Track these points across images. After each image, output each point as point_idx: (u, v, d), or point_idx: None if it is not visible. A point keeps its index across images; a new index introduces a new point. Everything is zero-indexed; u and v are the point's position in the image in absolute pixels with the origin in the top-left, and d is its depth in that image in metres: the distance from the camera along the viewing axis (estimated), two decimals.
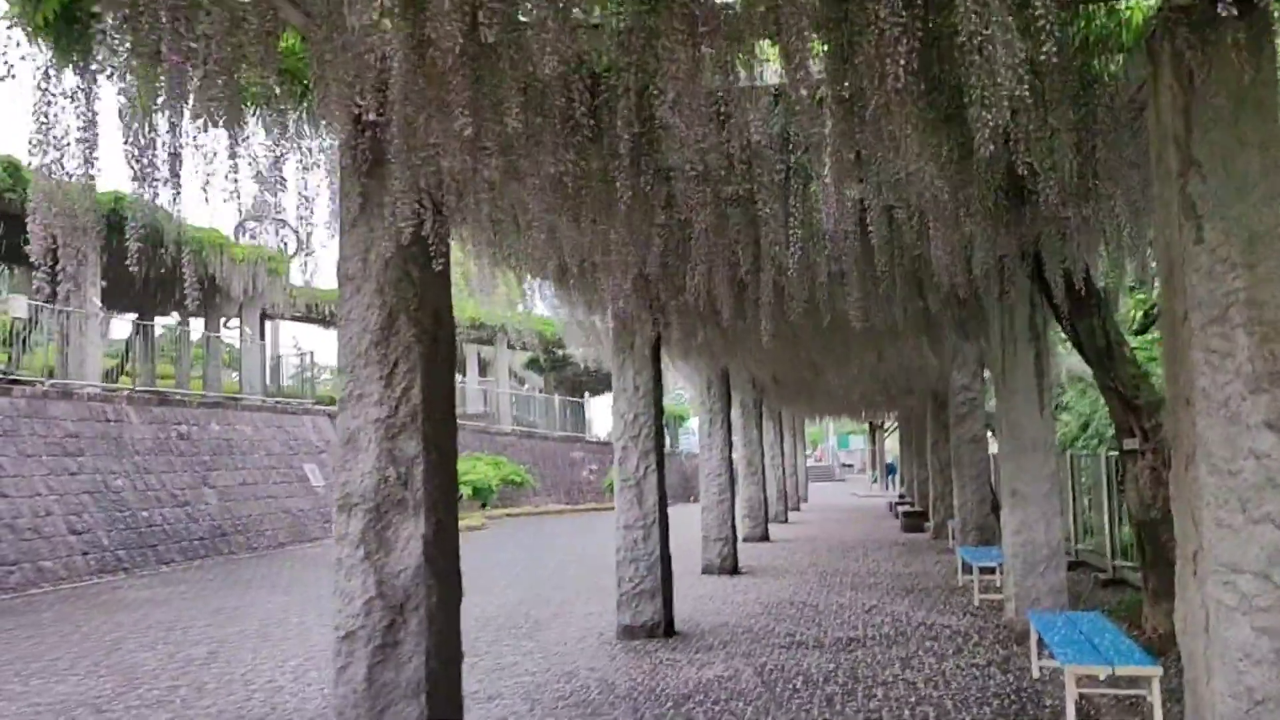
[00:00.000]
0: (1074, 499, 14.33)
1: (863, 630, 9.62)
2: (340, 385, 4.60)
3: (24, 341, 21.36)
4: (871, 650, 8.65)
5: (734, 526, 15.09)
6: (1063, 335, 9.46)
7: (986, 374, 14.28)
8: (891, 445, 46.51)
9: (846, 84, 4.46)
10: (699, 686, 7.44)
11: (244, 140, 4.42)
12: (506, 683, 7.77)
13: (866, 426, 48.94)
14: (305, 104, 4.68)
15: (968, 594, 11.55)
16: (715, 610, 11.10)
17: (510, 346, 37.45)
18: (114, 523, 16.77)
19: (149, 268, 17.89)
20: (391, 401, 4.51)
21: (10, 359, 25.77)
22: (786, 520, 25.92)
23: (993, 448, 13.75)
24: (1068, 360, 13.61)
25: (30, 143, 3.66)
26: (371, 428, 4.51)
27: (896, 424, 36.99)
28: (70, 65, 3.82)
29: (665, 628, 9.55)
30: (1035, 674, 7.45)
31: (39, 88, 3.72)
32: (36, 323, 21.02)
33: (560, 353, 36.18)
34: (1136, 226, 6.65)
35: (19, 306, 18.08)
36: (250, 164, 4.32)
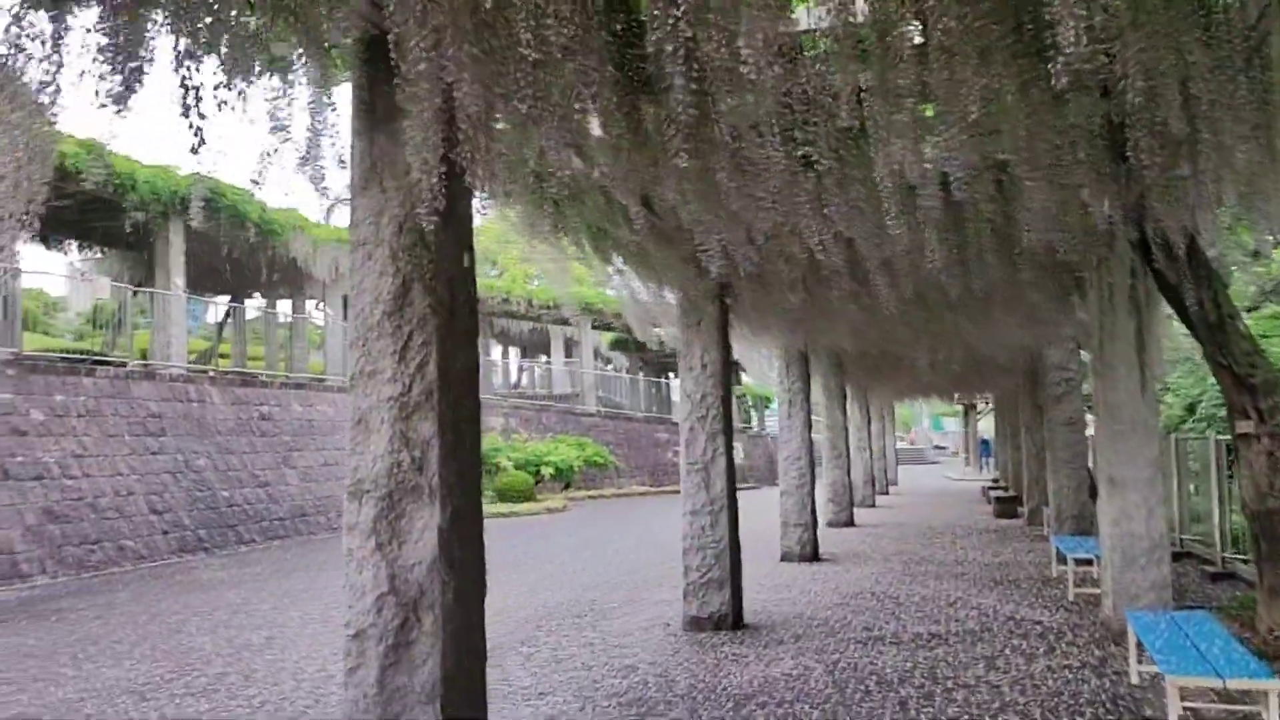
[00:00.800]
0: (1179, 485, 13.41)
1: (945, 625, 9.01)
2: (352, 361, 4.21)
3: (118, 324, 21.79)
4: (954, 648, 8.05)
5: (814, 512, 14.50)
6: (1168, 309, 8.68)
7: (1084, 353, 13.42)
8: (986, 427, 45.18)
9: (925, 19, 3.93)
10: (764, 685, 6.95)
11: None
12: (561, 676, 7.38)
13: (960, 408, 47.61)
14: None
15: (1062, 587, 10.82)
16: (790, 600, 10.57)
17: (595, 327, 37.20)
18: (195, 502, 16.92)
19: (233, 250, 17.99)
20: (405, 379, 4.10)
21: (105, 342, 26.47)
22: (874, 505, 25.13)
23: (1091, 430, 12.92)
24: (1172, 338, 12.71)
25: None
26: (384, 407, 4.11)
27: (991, 405, 35.79)
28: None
29: (734, 619, 9.07)
30: (1134, 679, 6.78)
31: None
32: (126, 306, 21.43)
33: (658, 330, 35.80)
34: (1254, 186, 5.94)
35: (103, 288, 18.31)
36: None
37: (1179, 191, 6.08)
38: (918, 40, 4.28)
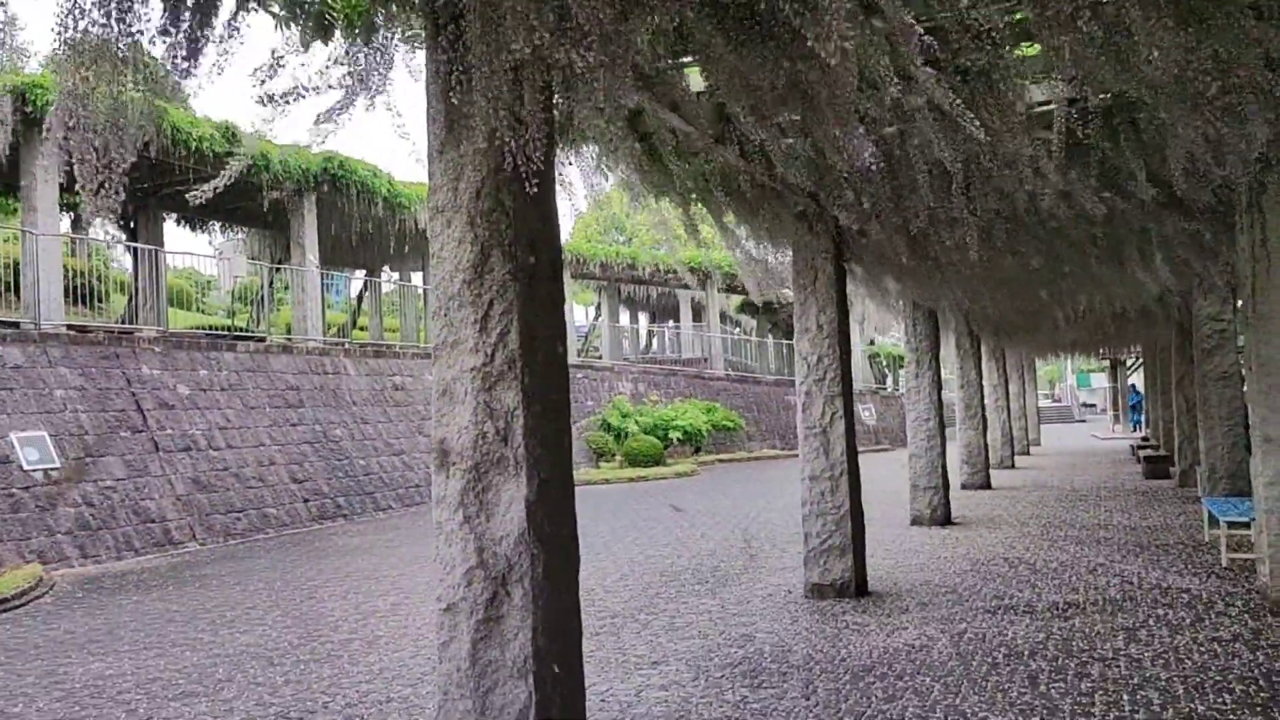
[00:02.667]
0: None
1: (1083, 594, 8.53)
2: (434, 331, 4.13)
3: (260, 301, 22.65)
4: (1091, 618, 7.60)
5: (945, 474, 14.00)
6: None
7: (1240, 301, 12.50)
8: (1135, 383, 43.06)
9: None
10: (884, 656, 6.69)
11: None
12: (676, 645, 7.27)
13: (1107, 363, 45.50)
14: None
15: (1214, 552, 10.14)
16: (918, 566, 10.21)
17: (721, 290, 36.89)
18: (333, 471, 17.48)
19: (364, 224, 18.37)
20: (487, 348, 4.00)
21: (251, 318, 27.58)
22: (1013, 466, 24.26)
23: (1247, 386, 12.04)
24: None
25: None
26: (467, 377, 4.02)
27: (1140, 360, 34.04)
28: None
29: (857, 587, 8.80)
30: None
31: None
32: (265, 284, 22.24)
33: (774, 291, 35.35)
34: None
35: (239, 267, 19.00)
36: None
37: None
38: None
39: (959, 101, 4.61)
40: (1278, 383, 7.58)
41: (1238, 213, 7.84)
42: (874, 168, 5.83)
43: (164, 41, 3.49)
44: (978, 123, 4.85)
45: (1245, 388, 9.95)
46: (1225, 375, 12.95)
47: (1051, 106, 6.10)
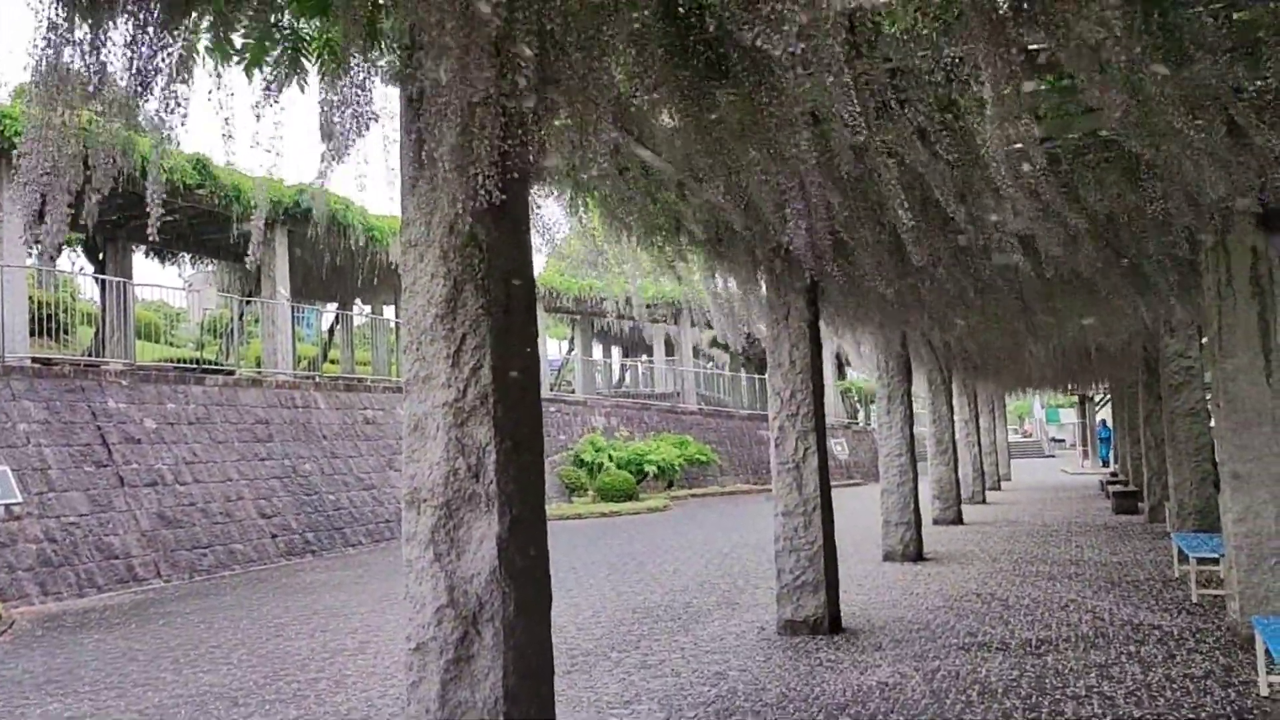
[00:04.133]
0: None
1: (1056, 630, 8.53)
2: (406, 365, 4.10)
3: (230, 333, 22.44)
4: (1064, 655, 7.60)
5: (918, 510, 14.02)
6: None
7: (1206, 339, 12.65)
8: (1104, 419, 43.42)
9: None
10: (858, 695, 6.64)
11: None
12: (649, 683, 7.20)
13: (1077, 399, 45.87)
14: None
15: (1184, 588, 10.19)
16: (890, 603, 10.19)
17: (694, 325, 36.94)
18: (302, 506, 17.27)
19: (336, 257, 18.20)
20: (459, 383, 3.97)
21: (220, 350, 27.29)
22: (984, 501, 24.35)
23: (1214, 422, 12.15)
24: None
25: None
26: (439, 413, 3.99)
27: (1108, 396, 34.35)
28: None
29: (830, 623, 8.76)
30: (1264, 690, 6.27)
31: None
32: (235, 316, 22.06)
33: (746, 329, 35.43)
34: None
35: (209, 298, 18.83)
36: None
37: None
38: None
39: (920, 141, 4.66)
40: (1244, 420, 7.66)
41: (1203, 252, 7.95)
42: (835, 208, 5.90)
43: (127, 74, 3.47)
44: (944, 161, 4.91)
45: (1212, 424, 10.05)
46: (1193, 412, 13.07)
47: (1020, 146, 6.17)
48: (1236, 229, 7.54)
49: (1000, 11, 3.72)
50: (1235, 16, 4.82)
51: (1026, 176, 5.99)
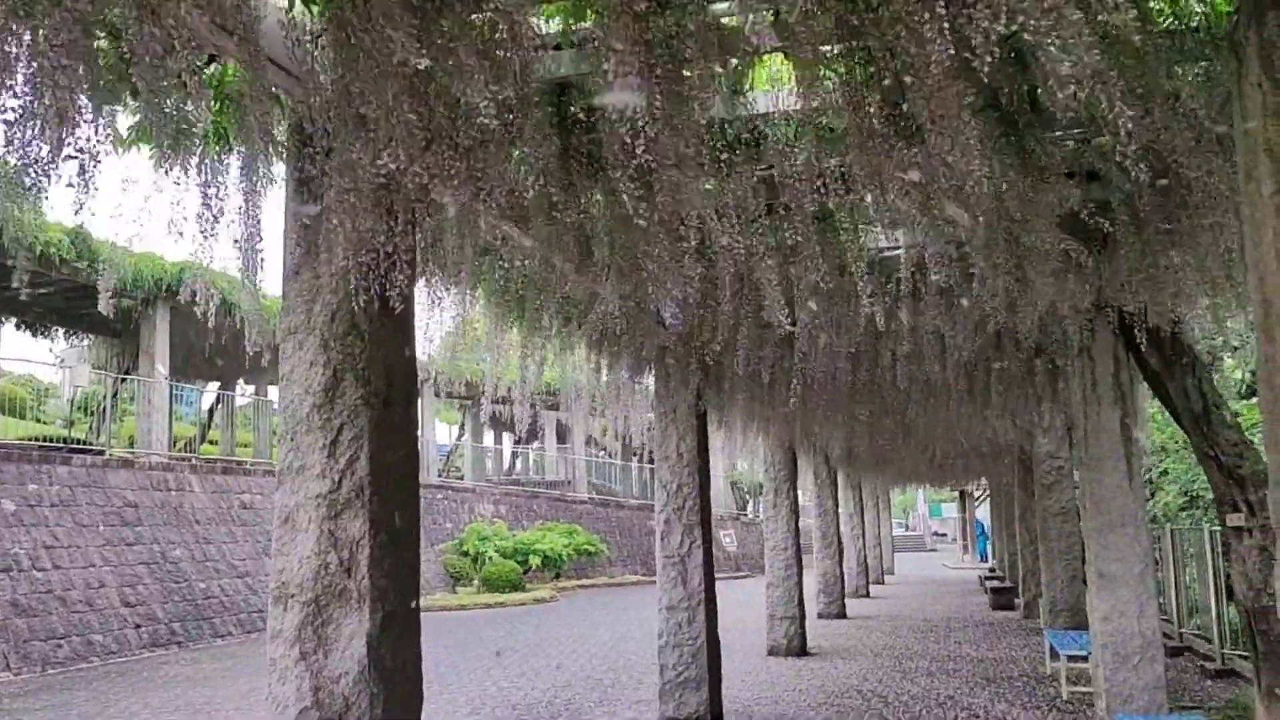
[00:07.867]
0: (1176, 576, 13.06)
1: None
2: (280, 455, 3.99)
3: (102, 412, 21.54)
4: None
5: (802, 604, 14.09)
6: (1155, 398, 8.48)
7: (1074, 441, 13.19)
8: (983, 515, 44.63)
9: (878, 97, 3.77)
10: None
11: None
12: None
13: (957, 494, 47.11)
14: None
15: (1056, 685, 10.41)
16: (774, 700, 10.16)
17: (587, 413, 36.93)
18: (170, 594, 16.48)
19: (220, 336, 17.60)
20: (335, 474, 3.87)
21: (91, 429, 26.15)
22: (868, 595, 24.61)
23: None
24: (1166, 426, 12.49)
25: None
26: (312, 504, 3.88)
27: (988, 492, 35.37)
28: None
29: None
30: None
31: None
32: (108, 394, 21.22)
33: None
34: (1234, 271, 5.79)
35: (81, 374, 18.12)
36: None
37: (1159, 279, 5.94)
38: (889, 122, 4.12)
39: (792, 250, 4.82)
40: (1109, 521, 7.95)
41: (1069, 358, 8.32)
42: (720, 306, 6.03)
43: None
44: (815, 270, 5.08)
45: (1081, 524, 10.42)
46: (1064, 510, 13.54)
47: (898, 251, 6.42)
48: (1099, 338, 7.92)
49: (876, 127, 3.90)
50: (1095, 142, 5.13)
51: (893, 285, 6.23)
